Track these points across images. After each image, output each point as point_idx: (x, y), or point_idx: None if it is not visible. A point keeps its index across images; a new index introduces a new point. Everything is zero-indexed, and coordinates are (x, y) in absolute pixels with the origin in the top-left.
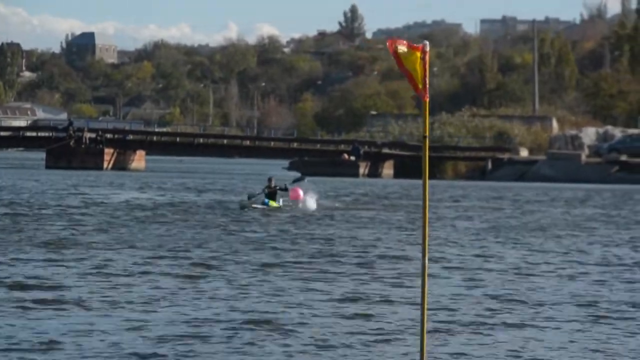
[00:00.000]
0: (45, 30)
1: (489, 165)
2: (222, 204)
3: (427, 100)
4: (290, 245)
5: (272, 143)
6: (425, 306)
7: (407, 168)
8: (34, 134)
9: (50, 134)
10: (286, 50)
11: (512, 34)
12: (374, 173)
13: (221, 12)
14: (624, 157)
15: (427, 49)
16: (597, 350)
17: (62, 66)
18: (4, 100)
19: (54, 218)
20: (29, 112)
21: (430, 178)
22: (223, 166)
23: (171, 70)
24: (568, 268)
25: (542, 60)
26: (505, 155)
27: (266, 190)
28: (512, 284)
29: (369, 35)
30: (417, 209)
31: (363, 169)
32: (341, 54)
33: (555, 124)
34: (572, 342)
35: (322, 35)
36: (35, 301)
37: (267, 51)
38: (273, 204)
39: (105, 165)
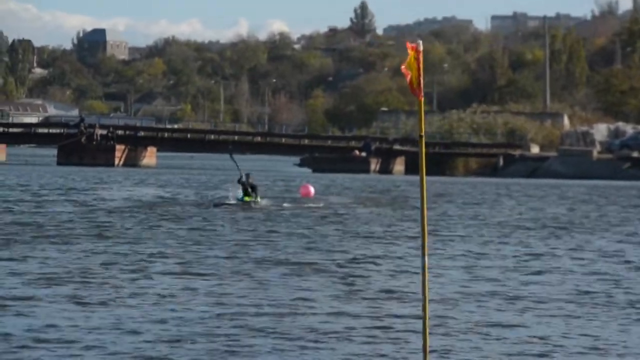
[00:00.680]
0: (56, 27)
1: (501, 162)
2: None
3: (422, 99)
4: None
5: (283, 139)
6: (427, 303)
7: (418, 165)
8: (45, 130)
9: (62, 131)
10: (297, 46)
11: (523, 31)
12: (385, 169)
13: (232, 8)
14: (635, 154)
15: (421, 48)
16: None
17: (73, 62)
18: (16, 96)
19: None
20: (40, 109)
21: (440, 175)
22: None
23: (182, 66)
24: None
25: (554, 57)
26: (517, 152)
27: (241, 184)
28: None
29: (379, 31)
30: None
31: (374, 165)
32: (352, 50)
33: (566, 120)
34: (583, 335)
35: (332, 31)
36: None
37: (277, 47)
38: (248, 199)
39: (116, 161)
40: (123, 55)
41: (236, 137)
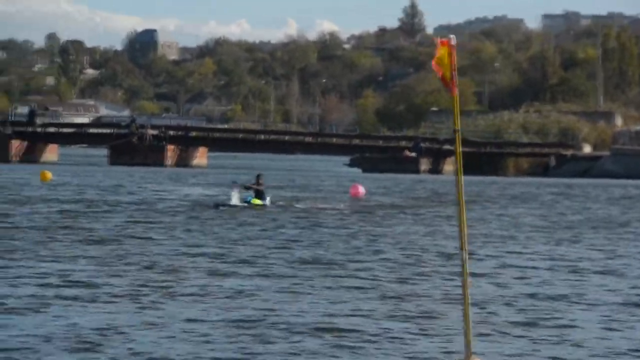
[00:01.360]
0: (108, 28)
1: (553, 162)
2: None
3: (456, 95)
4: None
5: (334, 139)
6: (468, 303)
7: (469, 164)
8: (96, 130)
9: (113, 131)
10: (347, 46)
11: (575, 29)
12: (435, 169)
13: (280, 8)
14: None
15: (454, 42)
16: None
17: (124, 63)
18: (68, 97)
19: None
20: (92, 109)
21: (491, 174)
22: (284, 162)
23: (232, 67)
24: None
25: (606, 55)
26: (569, 152)
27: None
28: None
29: (429, 30)
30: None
31: (424, 165)
32: (402, 50)
33: (619, 119)
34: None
35: (382, 31)
36: None
37: (327, 47)
38: (256, 201)
39: (167, 162)
40: (174, 56)
41: (287, 137)
